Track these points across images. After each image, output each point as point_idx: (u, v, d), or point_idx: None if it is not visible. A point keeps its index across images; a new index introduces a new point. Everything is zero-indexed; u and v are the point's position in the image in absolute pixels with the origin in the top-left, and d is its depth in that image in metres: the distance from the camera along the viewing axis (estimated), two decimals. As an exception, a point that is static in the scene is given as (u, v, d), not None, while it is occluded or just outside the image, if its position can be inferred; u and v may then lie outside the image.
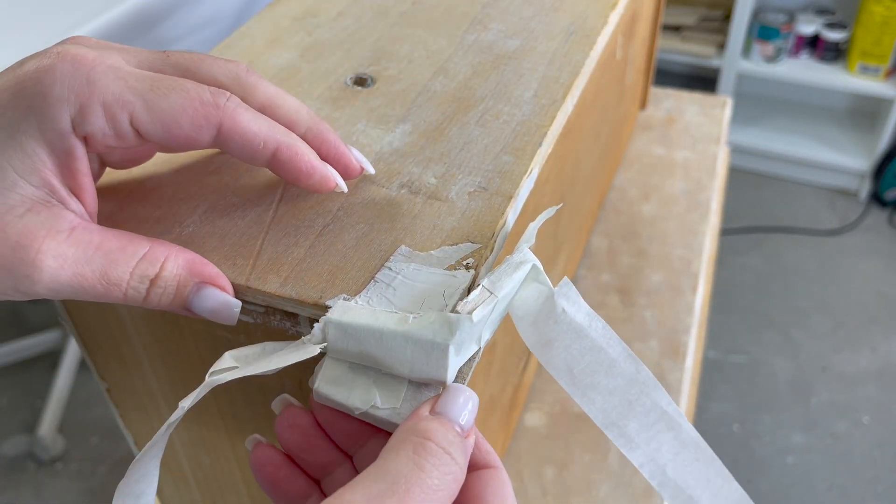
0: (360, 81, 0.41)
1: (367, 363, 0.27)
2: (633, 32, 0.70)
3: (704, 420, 1.47)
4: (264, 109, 0.30)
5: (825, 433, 1.46)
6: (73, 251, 0.25)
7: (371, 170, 0.34)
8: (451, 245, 0.31)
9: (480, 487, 0.24)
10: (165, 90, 0.26)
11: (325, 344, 0.27)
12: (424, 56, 0.44)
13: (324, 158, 0.31)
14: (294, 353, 0.27)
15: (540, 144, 0.37)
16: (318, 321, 0.28)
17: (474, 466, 0.25)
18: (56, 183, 0.26)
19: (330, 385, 0.27)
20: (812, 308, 1.70)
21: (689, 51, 2.08)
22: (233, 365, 0.27)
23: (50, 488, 1.37)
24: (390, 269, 0.30)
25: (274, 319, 0.30)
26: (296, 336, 0.30)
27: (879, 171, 1.97)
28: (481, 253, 0.31)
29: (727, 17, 2.06)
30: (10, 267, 0.25)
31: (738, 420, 1.48)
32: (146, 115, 0.26)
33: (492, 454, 0.26)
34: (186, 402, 0.27)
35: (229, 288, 0.28)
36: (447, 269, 0.30)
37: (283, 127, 0.29)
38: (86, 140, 0.26)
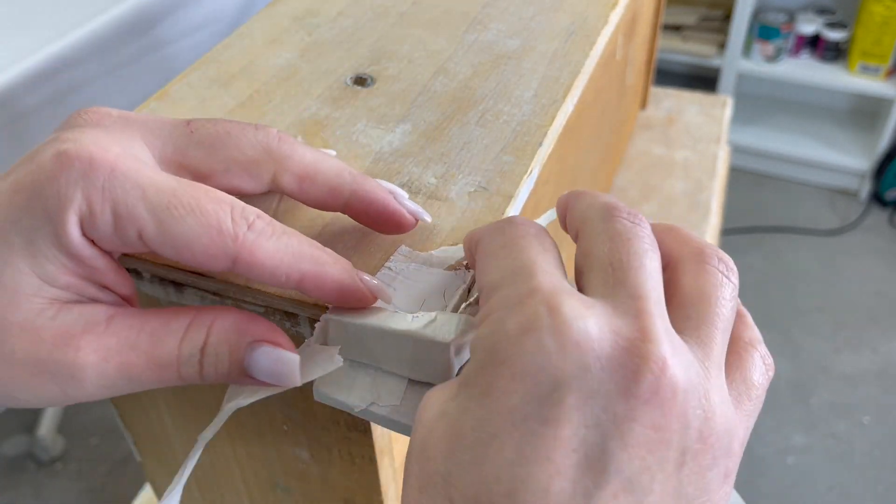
0: (360, 81, 0.41)
1: (368, 361, 0.27)
2: (634, 32, 0.70)
3: (705, 420, 1.46)
4: (302, 181, 0.28)
5: (825, 433, 1.46)
6: (115, 340, 0.24)
7: (427, 218, 0.31)
8: (451, 245, 0.31)
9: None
10: (183, 212, 0.24)
11: (339, 347, 0.27)
12: (424, 56, 0.44)
13: (373, 220, 0.30)
14: (317, 367, 0.27)
15: (540, 144, 0.37)
16: (318, 321, 0.28)
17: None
18: (80, 282, 0.25)
19: (329, 384, 0.27)
20: (812, 308, 1.70)
21: (690, 50, 2.08)
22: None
23: (50, 488, 1.37)
24: (390, 269, 0.30)
25: (274, 319, 0.30)
26: (296, 336, 0.30)
27: (880, 170, 1.97)
28: (481, 253, 0.31)
29: (727, 17, 2.06)
30: (52, 371, 0.23)
31: (738, 420, 1.48)
32: (158, 237, 0.24)
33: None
34: (208, 434, 0.26)
35: (286, 342, 0.26)
36: (447, 269, 0.30)
37: (310, 250, 0.26)
38: (93, 242, 0.25)
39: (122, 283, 0.26)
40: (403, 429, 0.27)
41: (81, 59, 0.66)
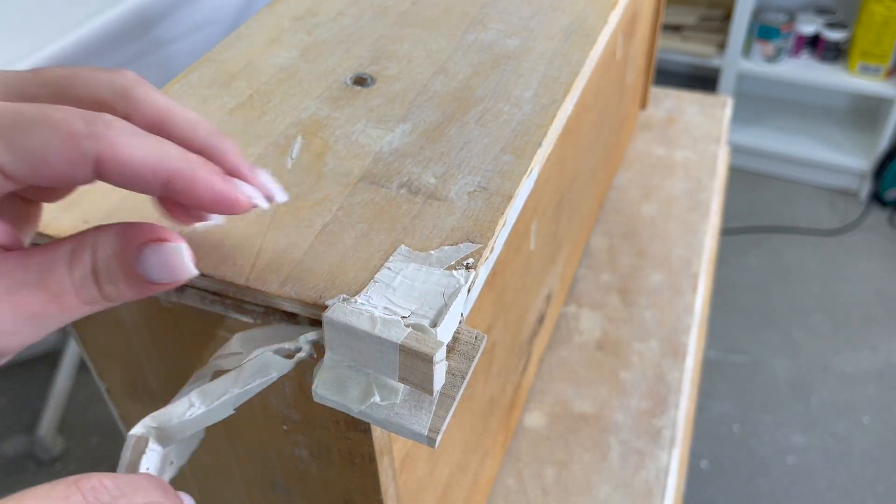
0: (360, 81, 0.41)
1: (362, 365, 0.27)
2: (633, 32, 0.70)
3: (704, 420, 1.47)
4: (154, 127, 0.26)
5: (825, 433, 1.46)
6: (5, 284, 0.23)
7: (281, 198, 0.28)
8: (451, 245, 0.31)
9: None
10: (29, 125, 0.23)
11: (313, 336, 0.28)
12: (424, 56, 0.44)
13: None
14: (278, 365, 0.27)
15: (540, 144, 0.37)
16: (318, 321, 0.28)
17: None
18: None
19: (328, 386, 0.27)
20: (812, 308, 1.70)
21: (690, 50, 2.08)
22: (238, 351, 0.27)
23: (50, 488, 1.37)
24: (390, 269, 0.30)
25: (274, 319, 0.30)
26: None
27: (880, 170, 1.97)
28: (481, 253, 0.31)
29: (727, 17, 2.06)
30: None
31: (738, 420, 1.48)
32: (8, 157, 0.22)
33: None
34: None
35: (170, 234, 0.25)
36: (447, 269, 0.30)
37: (177, 148, 0.25)
38: None
39: (1, 232, 0.25)
40: (402, 429, 0.27)
41: (82, 60, 0.66)
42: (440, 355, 0.26)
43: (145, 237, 0.25)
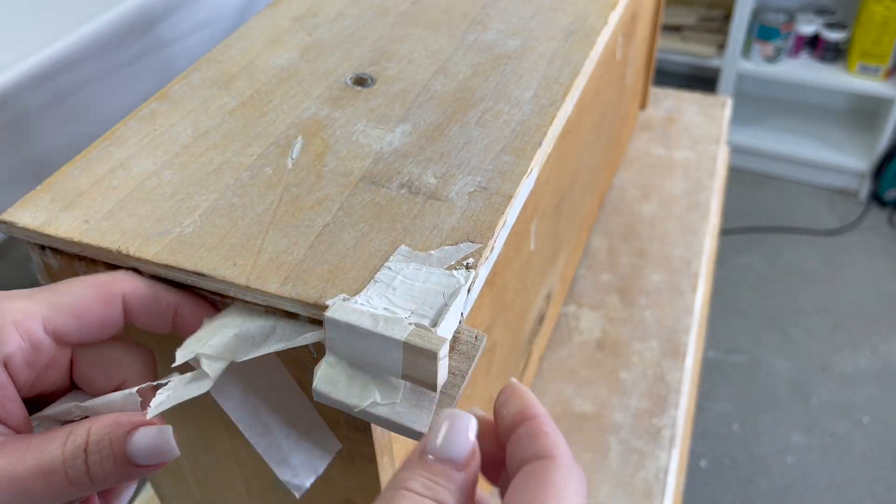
0: (361, 81, 0.41)
1: (364, 362, 0.27)
2: (633, 32, 0.70)
3: (704, 420, 1.47)
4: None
5: (825, 433, 1.46)
6: (5, 462, 0.26)
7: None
8: (451, 245, 0.31)
9: (523, 481, 0.24)
10: (66, 287, 0.28)
11: (316, 336, 0.28)
12: (424, 56, 0.44)
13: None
14: (188, 390, 0.27)
15: (540, 144, 0.37)
16: (318, 321, 0.28)
17: (532, 455, 0.25)
18: None
19: (328, 383, 0.27)
20: (812, 308, 1.70)
21: (689, 51, 2.08)
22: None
23: (50, 488, 1.37)
24: (390, 268, 0.30)
25: (274, 319, 0.30)
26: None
27: (879, 170, 1.97)
28: (481, 253, 0.31)
29: (727, 17, 2.06)
30: None
31: (738, 420, 1.48)
32: (57, 315, 0.27)
33: (549, 442, 0.25)
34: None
35: (157, 420, 0.28)
36: (447, 269, 0.30)
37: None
38: (6, 364, 0.27)
39: (16, 415, 0.27)
40: (401, 429, 0.27)
41: (82, 60, 0.66)
42: (444, 351, 0.26)
43: (136, 422, 0.27)
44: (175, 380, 0.28)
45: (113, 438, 0.26)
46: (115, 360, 0.30)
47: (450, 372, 0.28)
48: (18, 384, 0.28)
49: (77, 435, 0.26)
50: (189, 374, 0.28)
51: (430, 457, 0.24)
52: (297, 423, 0.32)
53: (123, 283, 0.29)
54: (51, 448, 0.26)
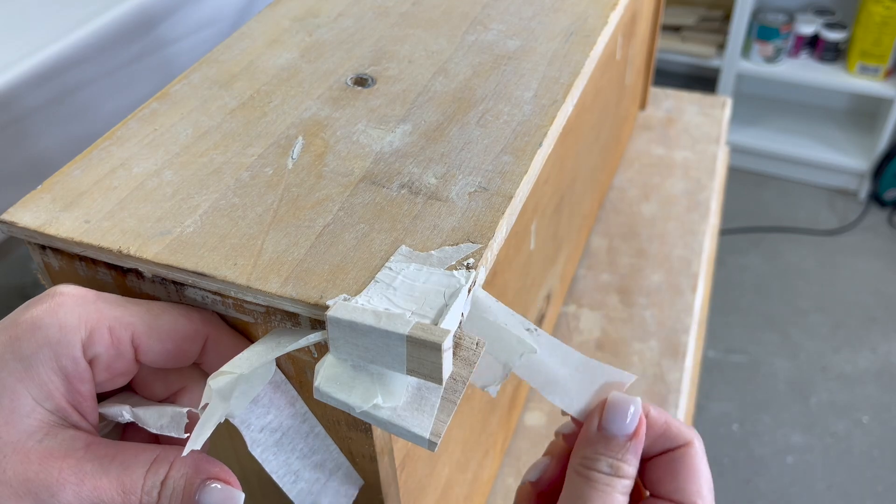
0: (361, 82, 0.41)
1: (367, 361, 0.27)
2: (633, 32, 0.70)
3: (704, 420, 1.47)
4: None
5: (825, 433, 1.46)
6: (91, 466, 0.27)
7: None
8: (452, 245, 0.31)
9: (670, 469, 0.30)
10: (159, 309, 0.30)
11: (318, 336, 0.28)
12: (424, 56, 0.44)
13: None
14: (286, 346, 0.28)
15: (540, 144, 0.37)
16: (319, 321, 0.28)
17: (667, 448, 0.31)
18: (67, 407, 0.28)
19: (331, 383, 0.27)
20: (812, 308, 1.70)
21: (689, 51, 2.08)
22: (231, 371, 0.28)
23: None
24: (390, 269, 0.30)
25: (274, 319, 0.30)
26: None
27: (879, 170, 1.97)
28: (481, 253, 0.31)
29: (727, 17, 2.07)
30: (36, 490, 0.26)
31: (738, 420, 1.48)
32: (145, 334, 0.29)
33: (683, 431, 0.31)
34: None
35: (234, 481, 0.29)
36: (447, 269, 0.30)
37: None
38: (90, 362, 0.28)
39: (93, 412, 0.29)
40: (403, 432, 0.27)
41: (82, 60, 0.66)
42: (448, 343, 0.26)
43: (216, 475, 0.29)
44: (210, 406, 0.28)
45: (188, 483, 0.28)
46: (178, 370, 0.31)
47: (450, 377, 0.28)
48: (94, 384, 0.29)
49: (160, 467, 0.28)
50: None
51: (602, 434, 0.30)
52: (324, 465, 0.33)
53: (210, 327, 0.31)
54: (135, 468, 0.28)
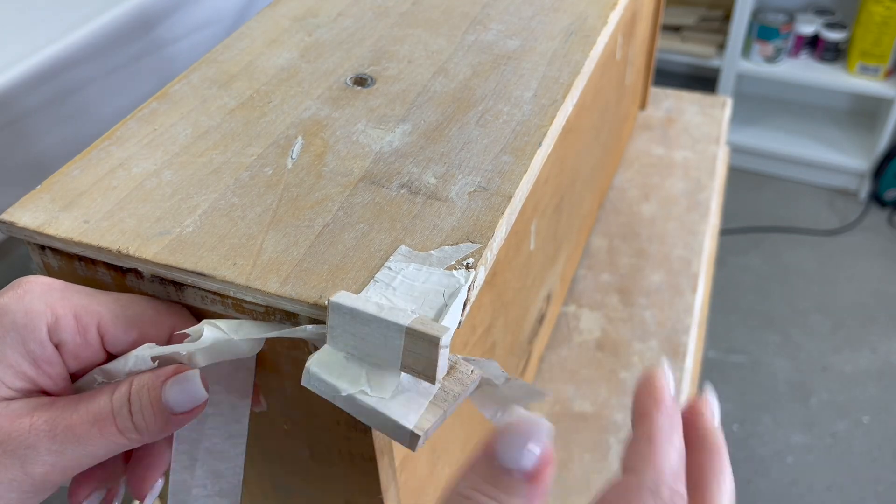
0: (361, 81, 0.41)
1: (363, 352, 0.27)
2: (633, 32, 0.70)
3: (704, 420, 1.46)
4: None
5: (825, 433, 1.46)
6: (59, 411, 0.28)
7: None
8: (451, 245, 0.31)
9: (700, 474, 0.26)
10: (127, 300, 0.31)
11: (316, 329, 0.28)
12: (424, 56, 0.44)
13: None
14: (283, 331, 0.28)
15: (540, 144, 0.37)
16: (318, 321, 0.28)
17: (695, 449, 0.27)
18: (38, 389, 0.29)
19: (322, 367, 0.27)
20: (812, 308, 1.70)
21: (689, 51, 2.08)
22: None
23: (50, 488, 1.37)
24: (390, 268, 0.30)
25: (274, 319, 0.30)
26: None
27: (879, 170, 1.97)
28: (481, 253, 0.31)
29: (727, 17, 2.07)
30: (11, 448, 0.27)
31: (738, 420, 1.48)
32: (112, 324, 0.30)
33: (708, 436, 0.27)
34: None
35: (193, 371, 0.29)
36: (447, 268, 0.30)
37: None
38: (57, 347, 0.29)
39: (67, 392, 0.30)
40: (385, 421, 0.26)
41: (82, 60, 0.66)
42: (446, 339, 0.26)
43: (173, 371, 0.29)
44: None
45: (150, 388, 0.28)
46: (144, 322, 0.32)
47: (442, 388, 0.28)
48: (65, 368, 0.30)
49: (121, 388, 0.29)
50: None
51: (497, 464, 0.22)
52: (219, 478, 0.33)
53: (177, 319, 0.31)
54: (100, 399, 0.28)
